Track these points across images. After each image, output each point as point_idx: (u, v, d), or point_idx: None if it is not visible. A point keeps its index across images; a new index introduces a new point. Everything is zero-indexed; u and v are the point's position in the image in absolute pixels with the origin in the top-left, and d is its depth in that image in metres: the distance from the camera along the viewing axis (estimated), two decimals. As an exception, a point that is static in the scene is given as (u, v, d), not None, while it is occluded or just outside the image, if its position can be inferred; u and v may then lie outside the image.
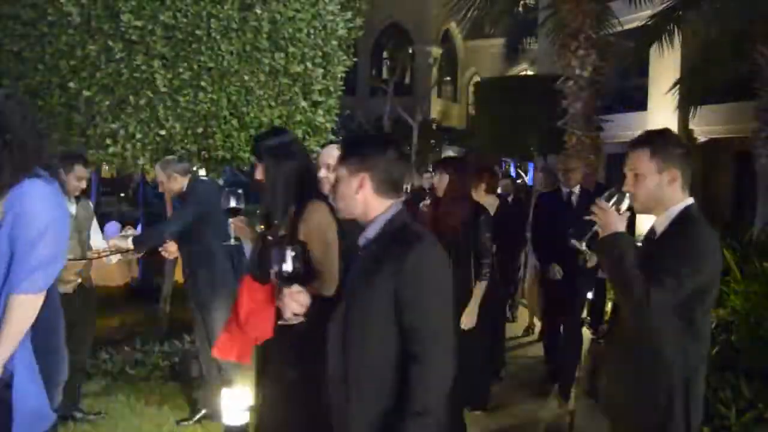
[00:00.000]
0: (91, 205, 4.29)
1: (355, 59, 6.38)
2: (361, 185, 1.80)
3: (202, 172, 5.17)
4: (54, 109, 4.79)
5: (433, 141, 22.51)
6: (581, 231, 2.13)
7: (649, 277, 1.91)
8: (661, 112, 11.32)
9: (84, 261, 3.95)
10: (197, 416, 4.14)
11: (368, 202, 1.81)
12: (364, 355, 1.74)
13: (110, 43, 4.49)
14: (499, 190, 6.03)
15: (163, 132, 4.63)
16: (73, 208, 3.85)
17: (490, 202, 4.89)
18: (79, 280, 3.97)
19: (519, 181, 13.16)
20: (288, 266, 2.00)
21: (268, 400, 2.50)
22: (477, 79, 25.97)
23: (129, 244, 3.86)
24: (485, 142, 13.98)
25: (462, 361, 1.82)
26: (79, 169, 3.77)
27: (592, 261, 4.08)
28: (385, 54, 32.28)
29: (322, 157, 2.74)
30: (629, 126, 12.33)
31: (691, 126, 11.34)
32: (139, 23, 4.46)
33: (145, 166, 4.86)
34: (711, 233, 2.05)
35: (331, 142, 5.88)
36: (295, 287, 2.04)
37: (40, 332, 2.03)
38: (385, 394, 1.71)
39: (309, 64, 5.14)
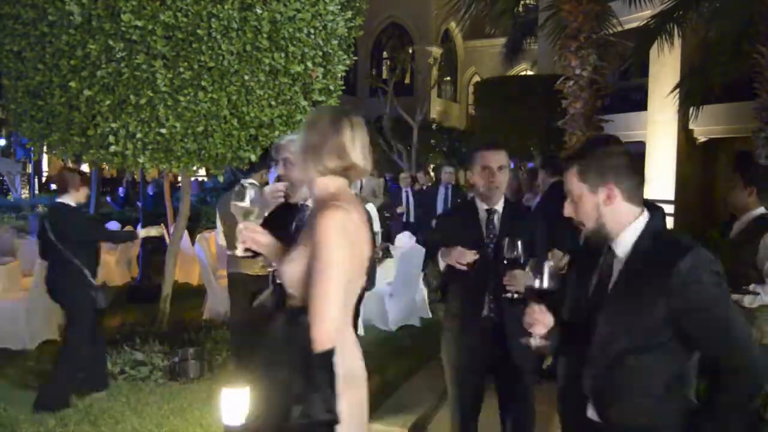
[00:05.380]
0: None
1: (355, 58, 6.37)
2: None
3: (202, 172, 5.16)
4: (54, 109, 4.79)
5: (433, 141, 22.51)
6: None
7: None
8: (662, 112, 11.32)
9: None
10: None
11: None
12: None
13: (111, 42, 4.48)
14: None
15: (163, 131, 4.64)
16: None
17: None
18: None
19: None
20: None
21: None
22: (477, 79, 26.01)
23: None
24: (485, 142, 13.97)
25: None
26: None
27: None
28: (385, 54, 32.31)
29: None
30: (629, 126, 12.36)
31: (691, 126, 11.34)
32: (139, 23, 4.46)
33: (146, 165, 4.86)
34: None
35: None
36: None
37: None
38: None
39: (309, 64, 5.13)
